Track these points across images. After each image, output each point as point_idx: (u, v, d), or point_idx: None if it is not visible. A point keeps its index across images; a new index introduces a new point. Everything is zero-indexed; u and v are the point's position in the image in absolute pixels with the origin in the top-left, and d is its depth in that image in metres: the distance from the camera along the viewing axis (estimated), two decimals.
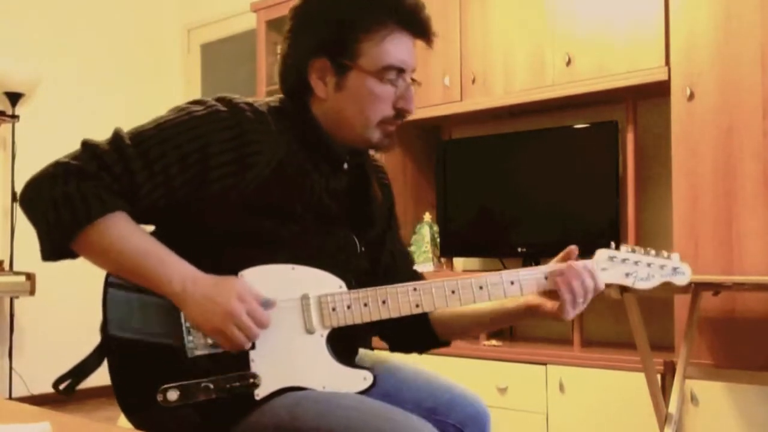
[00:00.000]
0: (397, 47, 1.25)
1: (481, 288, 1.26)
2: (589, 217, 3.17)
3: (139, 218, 1.19)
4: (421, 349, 1.47)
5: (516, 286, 1.27)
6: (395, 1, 1.25)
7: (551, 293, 1.28)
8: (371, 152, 1.42)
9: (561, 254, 1.30)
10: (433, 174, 3.78)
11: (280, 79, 1.32)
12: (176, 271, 1.15)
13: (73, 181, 1.13)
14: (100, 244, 1.14)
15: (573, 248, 1.30)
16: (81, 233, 1.13)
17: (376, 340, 1.45)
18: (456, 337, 1.46)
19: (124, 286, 1.19)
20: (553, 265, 1.29)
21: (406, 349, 1.47)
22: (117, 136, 1.18)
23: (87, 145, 1.17)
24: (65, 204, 1.12)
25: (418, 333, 1.42)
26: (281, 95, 1.33)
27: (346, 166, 1.33)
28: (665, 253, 1.35)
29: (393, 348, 1.48)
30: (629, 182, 3.07)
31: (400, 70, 1.26)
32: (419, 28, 1.28)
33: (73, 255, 1.18)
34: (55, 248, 1.16)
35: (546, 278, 1.27)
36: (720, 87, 2.65)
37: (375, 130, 1.27)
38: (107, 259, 1.16)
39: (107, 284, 1.19)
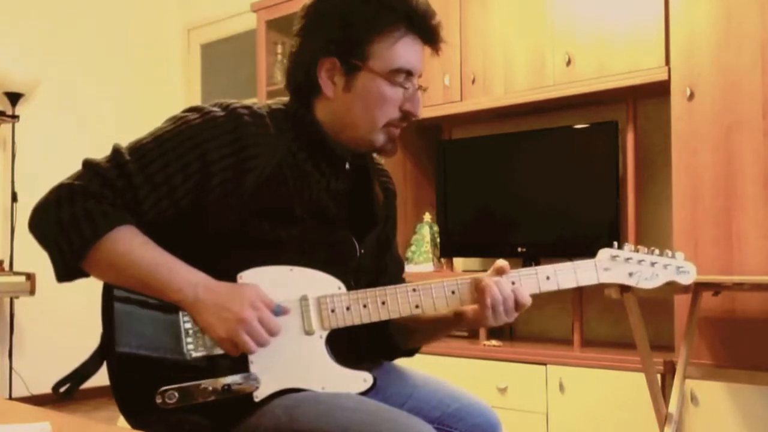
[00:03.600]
0: (408, 51, 1.26)
1: None
2: (589, 217, 3.17)
3: (146, 230, 1.19)
4: (387, 358, 1.43)
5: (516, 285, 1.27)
6: (408, 6, 1.25)
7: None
8: (374, 156, 1.42)
9: (494, 267, 1.28)
10: (433, 174, 3.78)
11: (287, 76, 1.31)
12: (186, 279, 1.15)
13: (78, 201, 1.14)
14: (109, 259, 1.15)
15: (504, 264, 1.28)
16: (90, 251, 1.14)
17: None
18: (414, 344, 1.43)
19: (128, 299, 1.18)
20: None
21: (373, 359, 1.42)
22: (116, 152, 1.19)
23: (88, 165, 1.18)
24: (72, 225, 1.13)
25: (379, 343, 1.40)
26: (284, 98, 1.33)
27: (348, 166, 1.33)
28: (669, 252, 1.34)
29: (360, 359, 1.42)
30: (629, 182, 3.07)
31: (409, 74, 1.26)
32: (429, 34, 1.28)
33: (86, 274, 1.19)
34: (68, 270, 1.17)
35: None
36: (720, 87, 2.65)
37: (380, 132, 1.28)
38: (117, 273, 1.16)
39: (113, 298, 1.19)
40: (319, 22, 1.27)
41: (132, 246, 1.15)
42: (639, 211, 3.11)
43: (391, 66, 1.24)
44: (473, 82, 3.37)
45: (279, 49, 4.23)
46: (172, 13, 5.32)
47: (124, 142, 1.22)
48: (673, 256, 1.34)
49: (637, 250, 1.32)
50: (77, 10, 4.82)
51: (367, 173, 1.38)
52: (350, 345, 1.29)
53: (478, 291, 1.24)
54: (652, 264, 1.32)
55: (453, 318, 1.34)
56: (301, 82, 1.28)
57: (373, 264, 1.39)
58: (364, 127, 1.27)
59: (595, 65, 3.03)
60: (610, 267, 1.31)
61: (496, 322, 1.25)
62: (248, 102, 1.26)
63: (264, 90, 4.17)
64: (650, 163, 3.21)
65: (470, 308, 1.29)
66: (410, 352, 1.45)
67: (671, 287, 1.35)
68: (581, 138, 3.24)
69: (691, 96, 2.70)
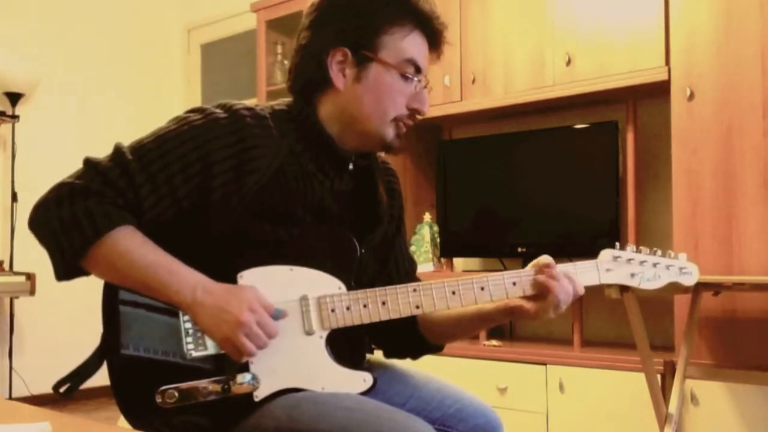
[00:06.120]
0: (416, 46, 1.28)
1: (482, 289, 1.26)
2: (589, 217, 3.17)
3: (147, 230, 1.19)
4: (414, 354, 1.45)
5: (518, 287, 1.27)
6: (415, 4, 1.27)
7: (534, 295, 1.27)
8: (381, 155, 1.42)
9: (535, 261, 1.28)
10: (433, 174, 3.78)
11: (294, 71, 1.31)
12: (185, 281, 1.15)
13: (78, 200, 1.14)
14: (109, 259, 1.15)
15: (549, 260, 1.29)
16: (90, 250, 1.14)
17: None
18: (445, 340, 1.43)
19: (131, 299, 1.18)
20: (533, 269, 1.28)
21: (400, 355, 1.46)
22: (118, 151, 1.19)
23: (89, 163, 1.18)
24: (73, 224, 1.13)
25: (408, 338, 1.41)
26: (287, 98, 1.33)
27: (351, 167, 1.33)
28: (672, 253, 1.33)
29: (387, 354, 1.46)
30: (629, 182, 3.07)
31: (418, 69, 1.27)
32: (434, 35, 1.30)
33: (86, 273, 1.19)
34: (68, 268, 1.17)
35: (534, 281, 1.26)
36: (720, 87, 2.65)
37: (389, 126, 1.28)
38: (117, 273, 1.17)
39: (117, 299, 1.19)
40: (331, 13, 1.28)
41: (132, 246, 1.15)
42: (639, 211, 3.11)
43: (401, 57, 1.26)
44: (473, 82, 3.37)
45: (279, 49, 4.22)
46: (172, 13, 5.32)
47: (125, 141, 1.22)
48: (675, 257, 1.33)
49: (639, 251, 1.31)
50: (77, 10, 4.82)
51: (372, 174, 1.38)
52: (351, 345, 1.29)
53: (551, 283, 1.24)
54: (654, 265, 1.31)
55: (502, 312, 1.31)
56: (311, 74, 1.28)
57: (375, 265, 1.38)
58: (374, 120, 1.27)
59: (595, 65, 3.03)
60: (611, 268, 1.30)
61: (555, 313, 1.25)
62: (250, 103, 1.27)
63: (264, 90, 4.17)
64: (650, 163, 3.21)
65: (527, 302, 1.27)
66: (438, 348, 1.44)
67: (672, 287, 1.35)
68: (581, 138, 3.24)
69: (691, 96, 2.70)
